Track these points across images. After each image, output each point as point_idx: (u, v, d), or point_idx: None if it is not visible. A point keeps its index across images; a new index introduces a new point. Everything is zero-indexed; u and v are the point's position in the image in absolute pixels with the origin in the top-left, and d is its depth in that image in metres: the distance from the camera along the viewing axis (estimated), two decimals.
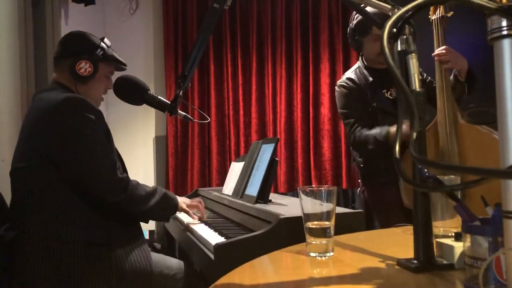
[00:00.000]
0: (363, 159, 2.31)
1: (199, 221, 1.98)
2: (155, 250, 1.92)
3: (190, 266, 1.79)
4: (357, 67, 2.36)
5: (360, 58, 2.39)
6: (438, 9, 2.06)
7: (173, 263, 1.72)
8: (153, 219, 1.75)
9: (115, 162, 1.59)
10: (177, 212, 1.82)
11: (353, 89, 2.28)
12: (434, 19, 2.08)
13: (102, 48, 1.67)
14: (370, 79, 2.25)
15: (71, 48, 1.68)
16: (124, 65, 1.78)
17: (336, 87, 2.38)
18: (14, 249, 1.49)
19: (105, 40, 1.71)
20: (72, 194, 1.51)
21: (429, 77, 2.39)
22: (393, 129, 2.09)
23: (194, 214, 1.99)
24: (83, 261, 1.46)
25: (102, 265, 1.47)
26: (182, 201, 1.86)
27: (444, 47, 2.04)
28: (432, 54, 2.05)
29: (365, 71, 2.30)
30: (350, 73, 2.35)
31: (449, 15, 2.06)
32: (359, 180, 2.42)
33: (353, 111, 2.25)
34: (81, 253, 1.46)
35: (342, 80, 2.36)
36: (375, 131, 2.14)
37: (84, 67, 1.63)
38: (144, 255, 1.57)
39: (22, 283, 1.46)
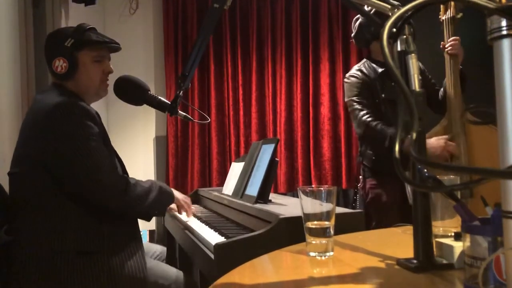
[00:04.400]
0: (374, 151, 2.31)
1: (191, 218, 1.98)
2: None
3: (189, 277, 1.76)
4: (365, 61, 2.38)
5: (366, 54, 2.42)
6: (449, 9, 2.09)
7: (171, 273, 1.67)
8: (152, 215, 1.73)
9: (114, 165, 1.58)
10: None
11: (363, 80, 2.30)
12: (445, 19, 2.10)
13: (74, 37, 1.58)
14: (380, 70, 2.27)
15: (45, 51, 1.63)
16: (110, 42, 1.67)
17: (345, 79, 2.40)
18: (9, 254, 1.48)
19: (81, 26, 1.61)
20: (66, 201, 1.48)
21: (433, 80, 2.40)
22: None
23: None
24: (74, 270, 1.43)
25: (94, 273, 1.44)
26: (178, 194, 1.86)
27: (456, 37, 2.07)
28: (446, 46, 2.08)
29: (373, 64, 2.32)
30: (358, 66, 2.38)
31: (458, 16, 2.08)
32: (361, 176, 2.42)
33: (364, 99, 2.27)
34: (72, 262, 1.43)
35: (350, 72, 2.38)
36: (392, 130, 2.14)
37: (59, 64, 1.57)
38: (138, 264, 1.53)
39: None
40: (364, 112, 2.23)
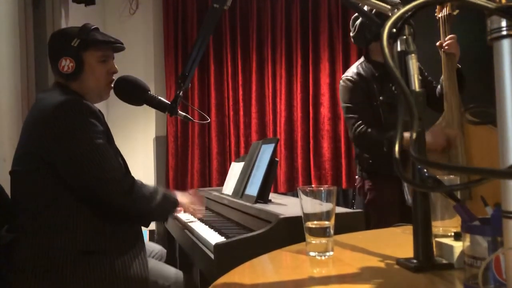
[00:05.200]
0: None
1: (197, 219, 1.98)
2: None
3: (189, 277, 1.76)
4: (362, 62, 2.34)
5: (364, 53, 2.38)
6: (445, 7, 2.07)
7: (171, 273, 1.67)
8: (154, 220, 1.72)
9: (119, 163, 1.58)
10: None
11: (359, 83, 2.26)
12: (441, 17, 2.09)
13: (80, 37, 1.58)
14: (377, 73, 2.25)
15: (50, 51, 1.64)
16: (115, 42, 1.67)
17: (341, 81, 2.34)
18: (11, 252, 1.48)
19: (86, 26, 1.62)
20: (70, 199, 1.48)
21: (429, 77, 2.39)
22: (407, 134, 2.09)
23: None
24: (76, 270, 1.42)
25: (96, 273, 1.44)
26: (183, 197, 1.83)
27: (453, 35, 2.06)
28: (444, 44, 2.07)
29: (370, 65, 2.29)
30: (356, 67, 2.32)
31: (455, 13, 2.07)
32: (358, 176, 2.42)
33: (357, 105, 2.23)
34: (74, 261, 1.43)
35: (348, 74, 2.33)
36: (387, 134, 2.11)
37: (65, 64, 1.57)
38: (141, 264, 1.52)
39: None
40: (359, 122, 2.19)
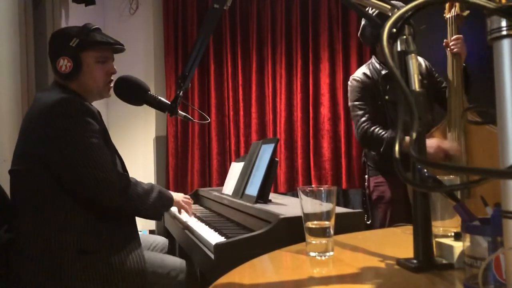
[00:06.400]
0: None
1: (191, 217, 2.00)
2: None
3: (191, 265, 1.77)
4: (370, 62, 2.39)
5: (373, 53, 2.42)
6: (454, 7, 2.08)
7: (171, 261, 1.68)
8: (149, 218, 1.73)
9: (114, 162, 1.58)
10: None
11: (366, 83, 2.30)
12: (449, 17, 2.09)
13: (79, 37, 1.59)
14: (384, 72, 2.27)
15: (50, 50, 1.64)
16: (114, 43, 1.67)
17: (349, 82, 2.40)
18: (10, 252, 1.48)
19: (87, 26, 1.63)
20: (66, 200, 1.48)
21: (440, 78, 2.39)
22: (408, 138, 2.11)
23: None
24: (74, 269, 1.43)
25: (93, 272, 1.45)
26: (177, 196, 1.87)
27: (459, 35, 2.07)
28: (450, 44, 2.07)
29: (378, 65, 2.33)
30: (364, 68, 2.38)
31: (464, 14, 2.07)
32: (366, 176, 2.43)
33: (365, 104, 2.28)
34: (72, 261, 1.44)
35: (356, 74, 2.39)
36: (388, 134, 2.15)
37: (63, 64, 1.58)
38: (136, 258, 1.53)
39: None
40: (364, 119, 2.25)
